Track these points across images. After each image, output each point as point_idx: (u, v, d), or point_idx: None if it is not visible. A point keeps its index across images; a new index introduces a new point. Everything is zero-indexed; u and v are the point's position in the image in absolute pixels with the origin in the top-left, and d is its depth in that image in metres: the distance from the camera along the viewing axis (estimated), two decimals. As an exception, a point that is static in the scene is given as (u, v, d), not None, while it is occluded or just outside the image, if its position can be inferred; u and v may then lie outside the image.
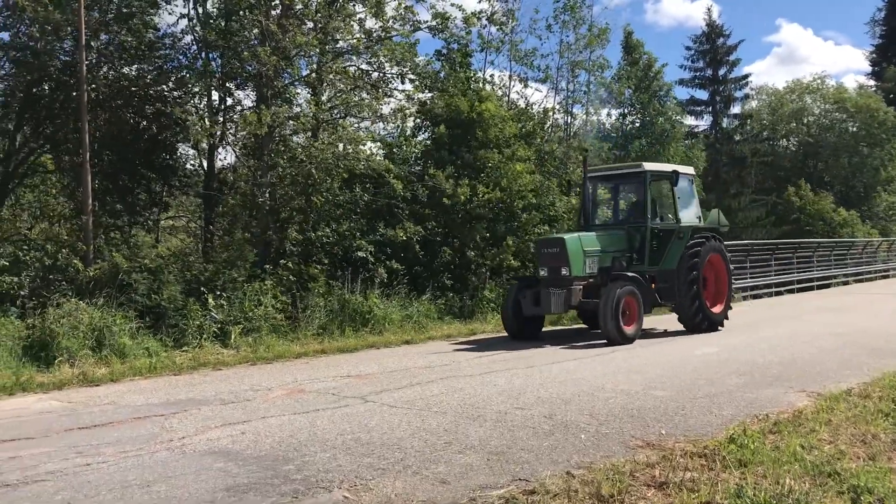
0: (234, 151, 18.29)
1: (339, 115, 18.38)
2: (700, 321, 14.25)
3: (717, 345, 12.55)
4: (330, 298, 14.95)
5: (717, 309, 14.82)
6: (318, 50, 17.17)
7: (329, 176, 16.63)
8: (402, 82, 19.56)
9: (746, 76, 44.99)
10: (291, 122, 17.60)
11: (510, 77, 24.44)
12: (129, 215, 17.60)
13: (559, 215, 20.19)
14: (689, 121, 41.94)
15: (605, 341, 12.87)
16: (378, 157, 18.61)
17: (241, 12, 17.17)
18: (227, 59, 18.15)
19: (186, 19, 17.66)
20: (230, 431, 6.89)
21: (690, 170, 16.61)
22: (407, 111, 19.22)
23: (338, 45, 18.63)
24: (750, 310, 20.08)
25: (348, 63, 18.15)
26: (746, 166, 42.26)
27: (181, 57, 17.93)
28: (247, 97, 19.56)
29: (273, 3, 17.12)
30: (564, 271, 13.45)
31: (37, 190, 20.27)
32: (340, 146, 17.17)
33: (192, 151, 18.92)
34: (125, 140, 17.02)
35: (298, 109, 18.77)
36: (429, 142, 20.27)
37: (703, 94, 44.59)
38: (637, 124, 31.53)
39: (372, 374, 10.20)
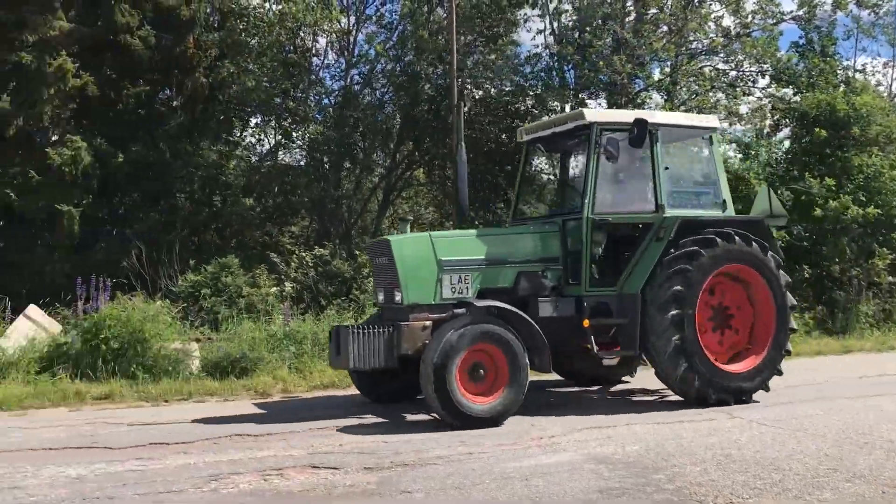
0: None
1: (694, 118, 17.90)
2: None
3: None
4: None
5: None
6: (672, 53, 16.90)
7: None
8: (762, 79, 18.49)
9: None
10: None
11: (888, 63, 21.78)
12: (489, 225, 18.88)
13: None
14: None
15: None
16: (735, 159, 17.76)
17: (594, 24, 17.54)
18: (580, 71, 18.67)
19: (543, 36, 18.57)
20: (597, 435, 7.04)
21: (702, 120, 9.37)
22: (767, 109, 18.11)
23: (692, 47, 18.20)
24: None
25: (704, 64, 17.65)
26: None
27: (541, 73, 18.79)
28: (598, 106, 19.92)
29: (627, 11, 17.26)
30: (397, 296, 8.09)
31: (410, 201, 22.70)
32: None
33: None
34: (487, 154, 18.35)
35: (650, 115, 18.70)
36: (792, 142, 18.81)
37: None
38: None
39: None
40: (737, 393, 8.32)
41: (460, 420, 7.25)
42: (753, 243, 8.37)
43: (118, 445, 6.67)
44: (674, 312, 7.96)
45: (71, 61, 15.58)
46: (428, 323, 7.63)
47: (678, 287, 7.98)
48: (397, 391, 8.71)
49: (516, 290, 8.31)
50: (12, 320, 10.63)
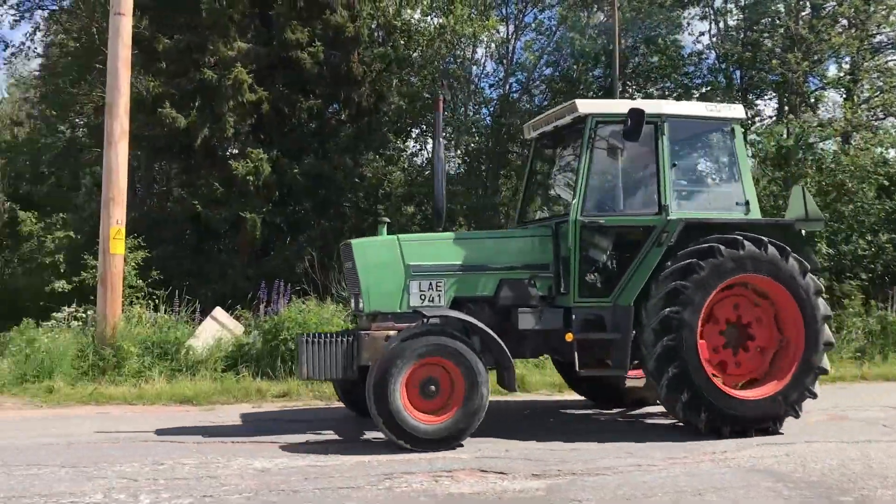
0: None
1: (876, 118, 16.67)
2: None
3: None
4: (868, 318, 13.57)
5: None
6: (854, 48, 15.81)
7: (863, 184, 15.19)
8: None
9: None
10: (819, 128, 16.53)
11: None
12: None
13: None
14: None
15: None
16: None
17: (764, 21, 16.73)
18: (747, 71, 17.87)
19: (707, 36, 17.93)
20: (774, 451, 6.70)
21: (722, 110, 8.05)
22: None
23: (876, 40, 16.95)
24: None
25: (890, 59, 16.40)
26: None
27: (705, 74, 18.18)
28: (765, 107, 19.00)
29: (801, 6, 16.33)
30: (361, 303, 7.56)
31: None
32: (878, 150, 15.58)
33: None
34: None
35: (826, 115, 17.58)
36: None
37: None
38: None
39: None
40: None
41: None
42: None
43: (298, 441, 7.07)
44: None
45: (246, 72, 16.69)
46: (392, 333, 6.93)
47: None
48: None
49: (497, 299, 7.54)
50: (201, 321, 11.47)
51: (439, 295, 7.48)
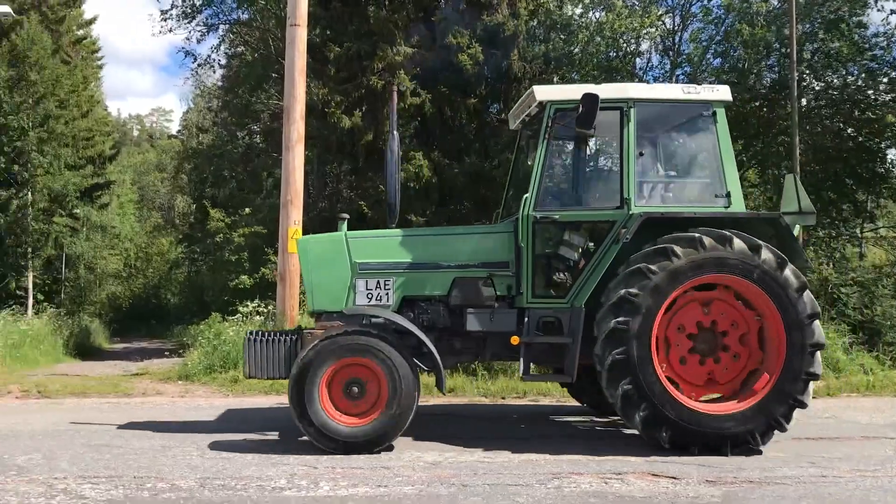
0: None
1: None
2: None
3: None
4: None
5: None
6: None
7: None
8: None
9: None
10: None
11: None
12: (834, 228, 17.24)
13: None
14: None
15: None
16: None
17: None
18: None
19: (897, 14, 16.45)
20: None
21: (701, 92, 7.14)
22: None
23: None
24: None
25: None
26: None
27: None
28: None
29: None
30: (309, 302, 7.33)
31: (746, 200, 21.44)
32: None
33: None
34: (830, 151, 16.76)
35: None
36: None
37: None
38: None
39: None
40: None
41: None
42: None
43: (466, 436, 7.19)
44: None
45: (408, 79, 17.18)
46: (331, 336, 6.48)
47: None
48: None
49: (450, 298, 7.10)
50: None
51: (387, 294, 7.14)
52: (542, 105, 7.10)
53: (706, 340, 6.65)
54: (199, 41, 31.95)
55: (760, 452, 6.44)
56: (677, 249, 6.37)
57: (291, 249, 11.30)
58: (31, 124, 24.86)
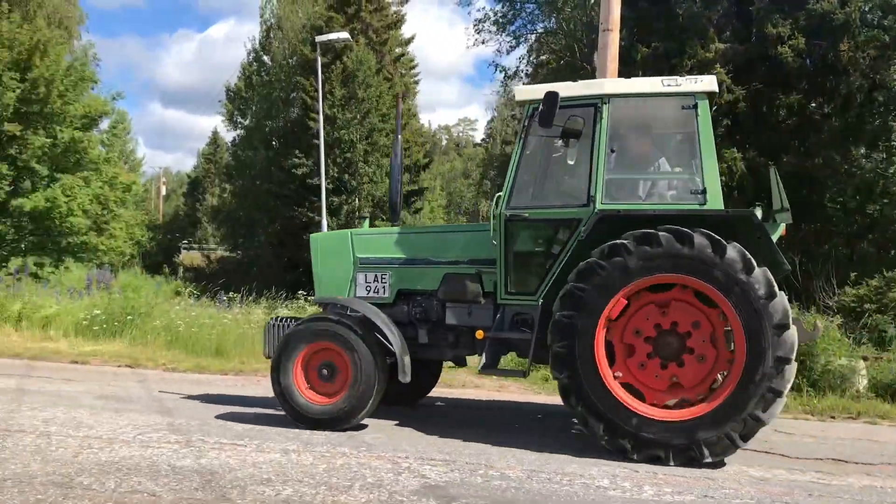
0: None
1: None
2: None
3: None
4: None
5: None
6: None
7: None
8: None
9: None
10: None
11: None
12: None
13: None
14: None
15: None
16: None
17: None
18: None
19: None
20: None
21: (681, 84, 6.44)
22: None
23: None
24: None
25: None
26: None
27: None
28: None
29: None
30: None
31: None
32: None
33: None
34: None
35: None
36: None
37: None
38: None
39: None
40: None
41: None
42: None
43: (794, 455, 6.72)
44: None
45: (725, 73, 16.44)
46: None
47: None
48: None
49: (437, 292, 7.29)
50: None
51: (384, 287, 7.58)
52: (521, 105, 7.16)
53: (667, 344, 6.29)
54: (508, 52, 33.41)
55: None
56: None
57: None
58: (358, 137, 27.74)
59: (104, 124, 25.40)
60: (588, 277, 6.24)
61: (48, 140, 22.01)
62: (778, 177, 7.27)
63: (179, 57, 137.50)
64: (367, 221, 8.36)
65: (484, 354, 6.98)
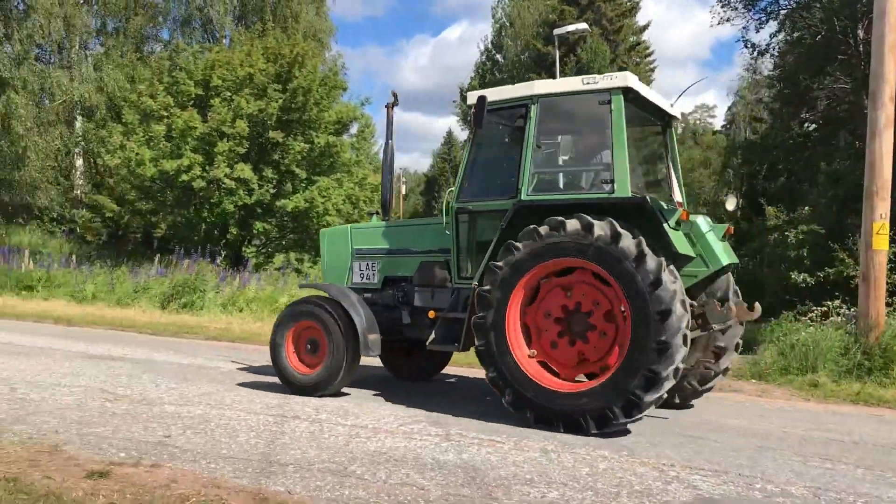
0: None
1: None
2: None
3: None
4: None
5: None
6: None
7: None
8: None
9: None
10: None
11: None
12: None
13: None
14: None
15: None
16: None
17: None
18: None
19: None
20: None
21: (599, 81, 7.07)
22: None
23: None
24: None
25: None
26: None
27: None
28: None
29: None
30: None
31: None
32: None
33: None
34: None
35: None
36: None
37: None
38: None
39: None
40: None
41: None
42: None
43: None
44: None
45: None
46: None
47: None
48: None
49: (412, 278, 8.21)
50: None
51: (373, 274, 8.66)
52: (469, 107, 7.68)
53: (575, 323, 6.85)
54: (757, 30, 31.13)
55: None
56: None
57: (877, 246, 10.18)
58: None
59: (353, 129, 26.92)
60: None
61: (306, 145, 23.85)
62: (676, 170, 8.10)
63: (416, 61, 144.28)
64: (374, 217, 9.19)
65: (433, 331, 7.56)
